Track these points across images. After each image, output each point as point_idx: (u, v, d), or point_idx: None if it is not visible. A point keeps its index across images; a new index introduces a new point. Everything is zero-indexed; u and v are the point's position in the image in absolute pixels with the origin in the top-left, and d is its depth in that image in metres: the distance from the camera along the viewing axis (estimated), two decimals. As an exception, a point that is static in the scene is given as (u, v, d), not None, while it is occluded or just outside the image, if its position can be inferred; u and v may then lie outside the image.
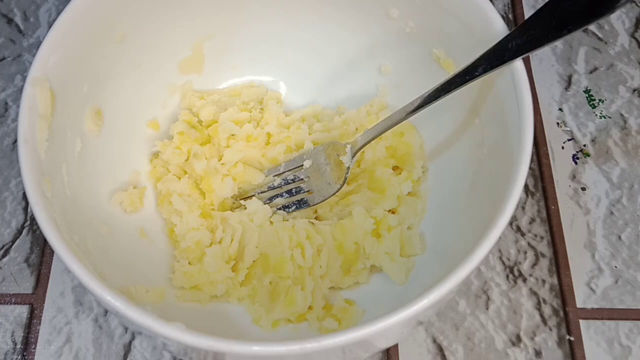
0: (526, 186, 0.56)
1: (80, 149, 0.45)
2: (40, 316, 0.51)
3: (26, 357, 0.49)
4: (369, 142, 0.48)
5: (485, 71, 0.41)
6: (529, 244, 0.54)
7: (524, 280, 0.52)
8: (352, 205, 0.51)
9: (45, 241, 0.53)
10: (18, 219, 0.55)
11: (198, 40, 0.53)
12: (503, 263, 0.53)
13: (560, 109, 0.60)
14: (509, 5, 0.65)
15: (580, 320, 0.51)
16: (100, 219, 0.46)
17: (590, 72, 0.62)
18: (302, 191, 0.51)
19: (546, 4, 0.40)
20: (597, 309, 0.51)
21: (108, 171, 0.49)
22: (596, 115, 0.60)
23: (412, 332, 0.50)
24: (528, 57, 0.61)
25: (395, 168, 0.52)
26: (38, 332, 0.50)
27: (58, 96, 0.42)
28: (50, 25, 0.43)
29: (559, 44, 0.63)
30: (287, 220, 0.50)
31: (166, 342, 0.37)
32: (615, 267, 0.53)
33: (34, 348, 0.50)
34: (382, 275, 0.48)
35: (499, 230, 0.36)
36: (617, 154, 0.58)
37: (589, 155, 0.58)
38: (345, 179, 0.49)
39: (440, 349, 0.50)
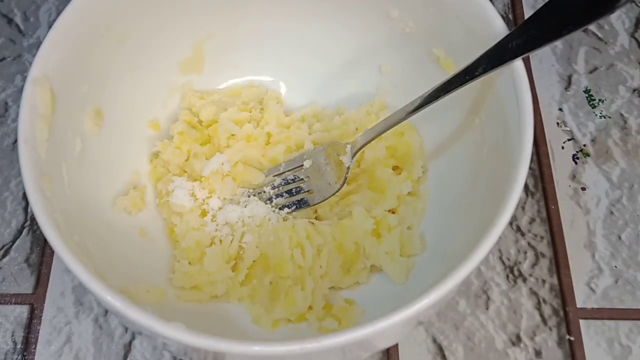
0: (526, 186, 0.56)
1: (80, 149, 0.45)
2: (41, 316, 0.51)
3: (26, 357, 0.49)
4: (369, 142, 0.48)
5: (485, 71, 0.41)
6: (529, 243, 0.54)
7: (524, 280, 0.52)
8: (352, 205, 0.51)
9: (45, 241, 0.53)
10: (18, 219, 0.55)
11: (198, 40, 0.53)
12: (503, 263, 0.53)
13: (560, 109, 0.60)
14: (509, 6, 0.65)
15: (580, 320, 0.51)
16: (100, 219, 0.46)
17: (590, 72, 0.62)
18: (302, 191, 0.51)
19: (546, 4, 0.40)
20: (597, 308, 0.51)
21: (108, 171, 0.49)
22: (596, 115, 0.60)
23: (412, 332, 0.50)
24: (528, 57, 0.61)
25: (395, 168, 0.52)
26: (38, 332, 0.50)
27: (58, 96, 0.42)
28: (50, 26, 0.43)
29: (558, 43, 0.63)
30: (287, 220, 0.50)
31: (166, 342, 0.37)
32: (615, 267, 0.53)
33: (34, 348, 0.50)
34: (382, 275, 0.48)
35: (499, 230, 0.36)
36: (617, 153, 0.58)
37: (588, 155, 0.58)
38: (345, 178, 0.49)
39: (440, 349, 0.50)
